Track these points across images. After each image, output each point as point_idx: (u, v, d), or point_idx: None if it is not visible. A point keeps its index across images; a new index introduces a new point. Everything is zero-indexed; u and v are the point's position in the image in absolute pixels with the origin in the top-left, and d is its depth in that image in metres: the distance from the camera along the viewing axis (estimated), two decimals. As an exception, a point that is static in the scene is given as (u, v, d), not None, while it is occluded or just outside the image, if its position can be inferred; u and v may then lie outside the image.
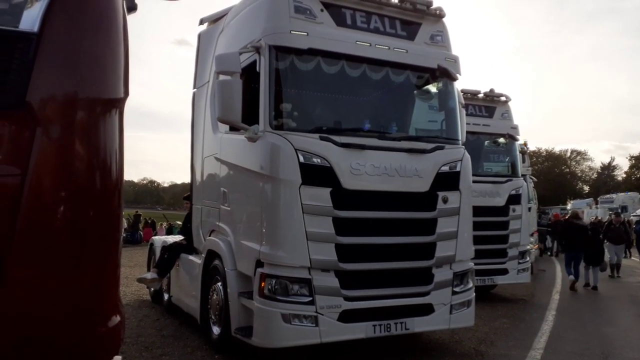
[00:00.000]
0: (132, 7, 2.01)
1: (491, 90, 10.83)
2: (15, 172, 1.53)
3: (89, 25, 1.72)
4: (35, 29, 1.59)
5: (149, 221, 30.02)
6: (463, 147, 6.15)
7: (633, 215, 35.98)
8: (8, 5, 1.59)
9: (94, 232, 1.68)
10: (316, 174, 5.09)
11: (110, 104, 1.77)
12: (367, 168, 5.29)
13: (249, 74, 5.41)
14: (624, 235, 15.49)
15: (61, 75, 1.66)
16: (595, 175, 72.62)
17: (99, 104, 1.74)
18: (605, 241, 14.81)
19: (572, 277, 12.23)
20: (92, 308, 1.66)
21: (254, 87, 5.37)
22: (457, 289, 5.85)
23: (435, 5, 6.04)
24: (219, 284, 5.90)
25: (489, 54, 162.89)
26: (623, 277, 15.45)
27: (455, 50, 6.24)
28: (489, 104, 10.80)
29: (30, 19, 1.59)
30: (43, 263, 1.56)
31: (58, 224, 1.58)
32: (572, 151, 73.66)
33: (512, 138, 10.86)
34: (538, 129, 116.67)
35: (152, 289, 8.92)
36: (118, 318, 1.74)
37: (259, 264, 5.14)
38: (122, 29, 1.78)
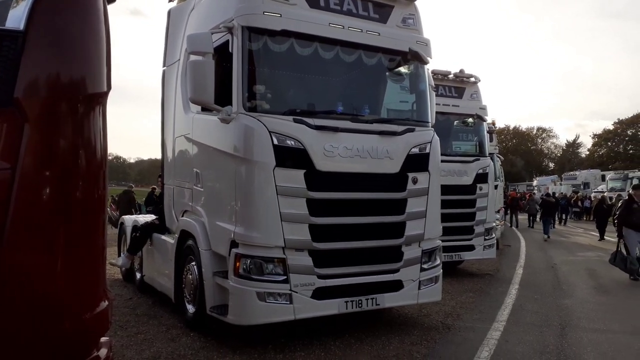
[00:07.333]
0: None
1: (461, 71, 10.96)
2: (5, 167, 1.56)
3: (74, 22, 1.74)
4: (21, 27, 1.61)
5: (116, 198, 29.35)
6: (432, 129, 6.30)
7: (594, 192, 37.39)
8: None
9: (81, 218, 1.74)
10: (290, 156, 5.15)
11: (94, 98, 1.79)
12: (340, 150, 5.38)
13: (221, 55, 5.36)
14: None
15: (47, 71, 1.68)
16: (560, 152, 74.86)
17: (84, 98, 1.77)
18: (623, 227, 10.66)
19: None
20: (81, 292, 1.73)
21: (226, 68, 5.33)
22: (425, 266, 6.08)
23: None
24: (193, 263, 5.95)
25: (458, 33, 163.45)
26: (581, 252, 15.61)
27: (426, 31, 6.34)
28: (459, 85, 10.95)
29: (16, 18, 1.61)
30: (34, 250, 1.61)
31: (47, 214, 1.64)
32: (538, 129, 75.81)
33: (480, 118, 11.08)
34: (506, 105, 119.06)
35: (124, 268, 8.92)
36: (106, 303, 1.82)
37: (234, 244, 5.20)
38: (104, 24, 1.81)
